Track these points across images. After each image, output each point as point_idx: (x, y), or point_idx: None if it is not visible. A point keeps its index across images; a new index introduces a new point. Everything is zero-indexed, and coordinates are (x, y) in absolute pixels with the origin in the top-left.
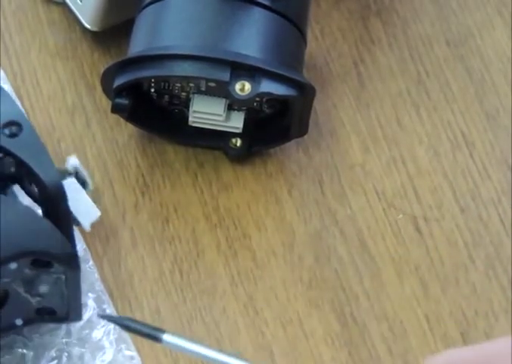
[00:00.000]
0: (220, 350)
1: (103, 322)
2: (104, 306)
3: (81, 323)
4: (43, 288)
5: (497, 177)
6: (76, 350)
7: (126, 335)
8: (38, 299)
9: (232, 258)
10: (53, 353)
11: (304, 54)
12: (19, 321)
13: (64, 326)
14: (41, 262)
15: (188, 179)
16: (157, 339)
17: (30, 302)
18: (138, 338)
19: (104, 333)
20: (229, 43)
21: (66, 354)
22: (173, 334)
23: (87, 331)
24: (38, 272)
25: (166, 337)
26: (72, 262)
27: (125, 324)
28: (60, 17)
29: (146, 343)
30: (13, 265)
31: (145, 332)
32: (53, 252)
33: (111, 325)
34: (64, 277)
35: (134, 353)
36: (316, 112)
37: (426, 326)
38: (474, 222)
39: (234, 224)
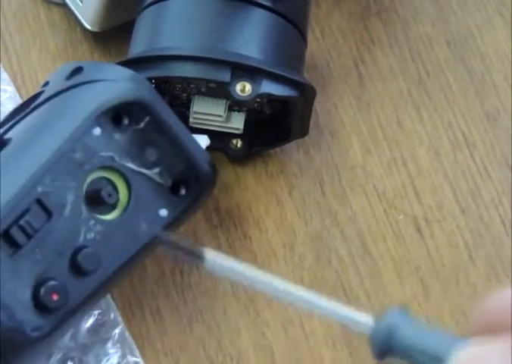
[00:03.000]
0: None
1: (107, 328)
2: (106, 307)
3: (85, 328)
4: (151, 153)
5: (498, 178)
6: (80, 356)
7: (130, 341)
8: (156, 170)
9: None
10: (58, 358)
11: (304, 54)
12: (163, 212)
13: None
14: (121, 117)
15: None
16: (199, 258)
17: (152, 179)
18: (143, 344)
19: (108, 339)
20: (229, 44)
21: (70, 359)
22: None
23: (92, 337)
24: (130, 134)
25: (208, 254)
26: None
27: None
28: (60, 17)
29: (150, 348)
30: (96, 131)
31: (188, 249)
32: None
33: (116, 331)
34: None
35: (139, 359)
36: (316, 113)
37: None
38: (475, 223)
39: (234, 224)
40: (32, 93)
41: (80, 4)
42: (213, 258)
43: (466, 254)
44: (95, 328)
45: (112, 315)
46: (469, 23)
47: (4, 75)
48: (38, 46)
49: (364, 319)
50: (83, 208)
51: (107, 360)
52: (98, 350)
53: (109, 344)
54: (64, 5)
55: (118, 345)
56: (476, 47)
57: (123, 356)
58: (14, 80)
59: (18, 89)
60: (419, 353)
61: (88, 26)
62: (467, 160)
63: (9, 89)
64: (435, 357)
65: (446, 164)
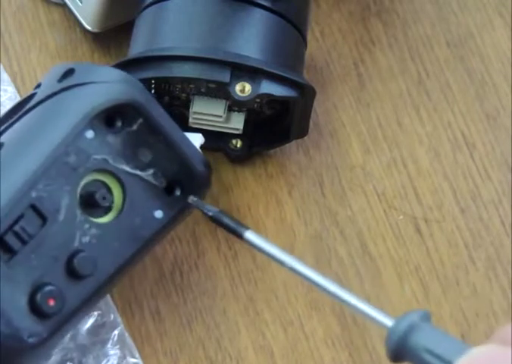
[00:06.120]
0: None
1: (107, 329)
2: (106, 308)
3: (85, 329)
4: (145, 155)
5: (498, 178)
6: (80, 357)
7: (130, 342)
8: (150, 171)
9: (233, 260)
10: (58, 359)
11: (304, 55)
12: (158, 213)
13: None
14: (115, 119)
15: None
16: (240, 235)
17: (147, 180)
18: (142, 345)
19: (108, 340)
20: (229, 44)
21: (69, 361)
22: (255, 233)
23: (91, 338)
24: (123, 136)
25: (248, 234)
26: (148, 105)
27: (214, 216)
28: (60, 17)
29: (149, 349)
30: (89, 134)
31: (231, 227)
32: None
33: (116, 332)
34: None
35: (138, 360)
36: (316, 113)
37: None
38: (474, 223)
39: None
40: None
41: (80, 4)
42: (252, 239)
43: (466, 254)
44: (95, 329)
45: (112, 316)
46: (469, 23)
47: (5, 75)
48: (38, 46)
49: (384, 319)
50: (78, 211)
51: (107, 361)
52: (97, 351)
53: (109, 345)
54: (64, 5)
55: (118, 346)
56: (476, 47)
57: (123, 357)
58: (14, 81)
59: (18, 90)
60: (432, 356)
61: (87, 27)
62: (467, 160)
63: (9, 90)
64: (448, 361)
65: (446, 165)
